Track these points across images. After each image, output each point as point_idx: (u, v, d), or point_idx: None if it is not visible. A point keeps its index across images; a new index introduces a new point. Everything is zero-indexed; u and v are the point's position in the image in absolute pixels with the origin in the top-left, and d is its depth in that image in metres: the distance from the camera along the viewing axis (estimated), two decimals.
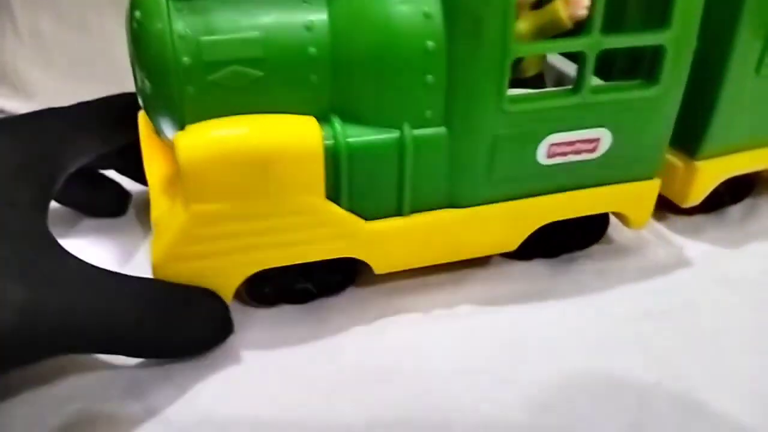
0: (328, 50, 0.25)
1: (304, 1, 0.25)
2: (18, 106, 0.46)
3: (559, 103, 0.28)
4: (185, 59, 0.24)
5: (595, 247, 0.35)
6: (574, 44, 0.27)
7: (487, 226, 0.30)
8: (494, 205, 0.29)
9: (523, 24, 0.28)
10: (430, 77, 0.26)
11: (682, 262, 0.35)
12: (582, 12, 0.27)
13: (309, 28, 0.25)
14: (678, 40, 0.27)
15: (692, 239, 0.37)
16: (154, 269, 0.26)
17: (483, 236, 0.30)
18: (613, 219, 0.35)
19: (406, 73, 0.25)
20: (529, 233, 0.31)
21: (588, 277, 0.34)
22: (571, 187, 0.30)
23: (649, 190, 0.32)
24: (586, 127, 0.28)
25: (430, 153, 0.27)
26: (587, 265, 0.35)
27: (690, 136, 0.34)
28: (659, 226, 0.38)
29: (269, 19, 0.24)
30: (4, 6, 0.48)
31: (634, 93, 0.29)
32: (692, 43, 0.28)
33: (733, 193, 0.39)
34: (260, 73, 0.24)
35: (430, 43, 0.25)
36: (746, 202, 0.40)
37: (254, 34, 0.24)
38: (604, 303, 0.32)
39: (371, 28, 0.25)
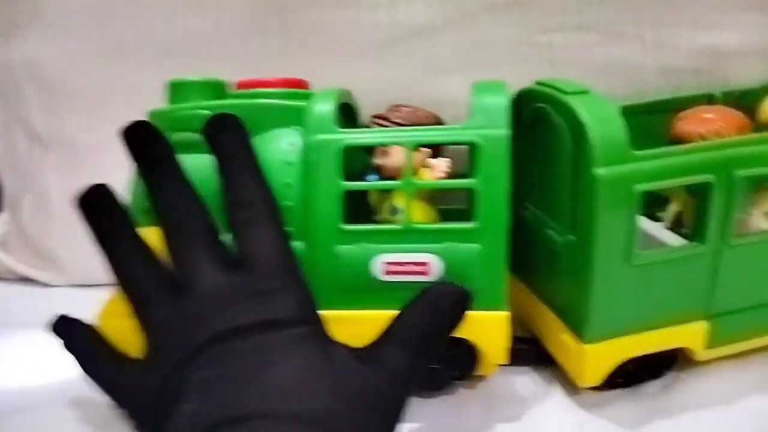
0: None
1: None
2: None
3: (387, 228, 0.35)
4: None
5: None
6: (396, 184, 0.35)
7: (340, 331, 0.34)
8: (341, 311, 0.34)
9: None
10: (289, 203, 0.35)
11: None
12: (440, 174, 0.36)
13: None
14: (486, 183, 0.34)
15: (593, 413, 0.37)
16: None
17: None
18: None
19: None
20: None
21: None
22: None
23: (497, 321, 0.35)
24: (413, 251, 0.35)
25: None
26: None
27: (576, 320, 0.36)
28: (567, 400, 0.38)
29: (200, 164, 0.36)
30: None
31: (451, 224, 0.35)
32: (503, 187, 0.34)
33: (652, 368, 0.38)
34: None
35: (288, 180, 0.36)
36: (667, 377, 0.39)
37: None
38: None
39: None
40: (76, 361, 0.33)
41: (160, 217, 0.33)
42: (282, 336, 0.29)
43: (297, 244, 0.35)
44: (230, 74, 0.42)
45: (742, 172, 0.34)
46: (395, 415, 0.29)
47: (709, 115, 0.38)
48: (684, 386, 0.39)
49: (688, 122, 0.38)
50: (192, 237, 0.32)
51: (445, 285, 0.33)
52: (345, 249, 0.35)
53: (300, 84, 0.41)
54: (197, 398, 0.27)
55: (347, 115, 0.42)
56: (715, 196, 0.34)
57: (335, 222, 0.35)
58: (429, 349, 0.31)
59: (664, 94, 0.45)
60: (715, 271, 0.36)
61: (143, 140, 0.33)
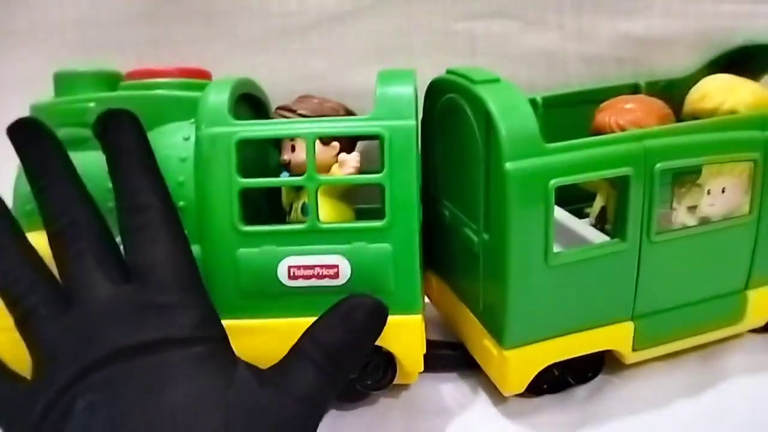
0: None
1: None
2: None
3: (290, 228, 0.33)
4: None
5: None
6: (297, 181, 0.33)
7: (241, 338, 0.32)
8: (247, 320, 0.33)
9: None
10: (182, 203, 0.33)
11: None
12: (349, 170, 0.34)
13: None
14: (393, 178, 0.32)
15: (519, 423, 0.35)
16: None
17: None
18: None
19: None
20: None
21: None
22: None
23: (411, 326, 0.33)
24: (320, 253, 0.32)
25: None
26: None
27: (496, 324, 0.34)
28: (492, 409, 0.36)
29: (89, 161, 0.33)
30: None
31: (358, 223, 0.33)
32: (411, 181, 0.32)
33: (579, 372, 0.36)
34: None
35: (181, 178, 0.33)
36: (596, 381, 0.37)
37: None
38: None
39: None
40: None
41: (48, 221, 0.30)
42: (177, 356, 0.27)
43: (193, 248, 0.32)
44: (129, 65, 0.39)
45: (661, 165, 0.32)
46: None
47: (630, 105, 0.37)
48: (613, 391, 0.37)
49: (607, 113, 0.37)
50: (82, 244, 0.29)
51: (359, 296, 0.30)
52: (245, 252, 0.32)
53: (199, 74, 0.38)
54: (81, 427, 0.25)
55: (256, 107, 0.40)
56: (633, 190, 0.32)
57: (234, 223, 0.32)
58: (342, 367, 0.29)
59: (588, 85, 0.44)
60: (638, 269, 0.34)
61: (29, 138, 0.31)
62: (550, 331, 0.34)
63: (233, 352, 0.29)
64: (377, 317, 0.30)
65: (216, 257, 0.32)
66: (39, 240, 0.30)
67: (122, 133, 0.31)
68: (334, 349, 0.28)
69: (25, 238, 0.30)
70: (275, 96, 0.41)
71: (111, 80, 0.38)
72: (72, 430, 0.25)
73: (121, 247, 0.30)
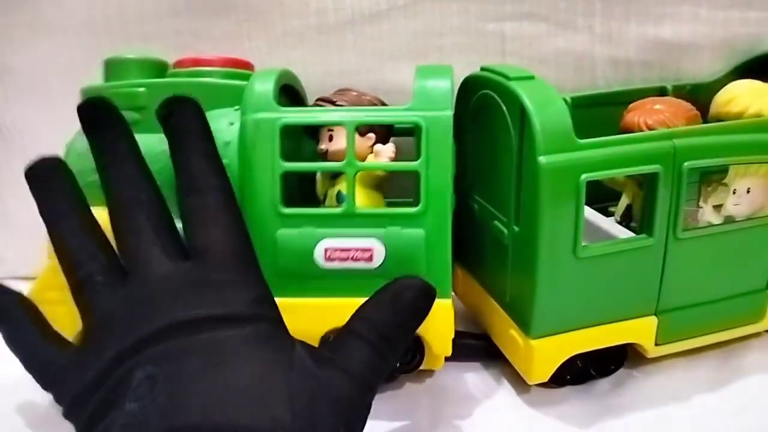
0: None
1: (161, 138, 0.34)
2: None
3: (328, 212, 0.34)
4: None
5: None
6: (337, 166, 0.34)
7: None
8: (284, 299, 0.32)
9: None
10: None
11: None
12: (385, 159, 0.35)
13: (160, 152, 0.33)
14: (429, 166, 0.33)
15: (542, 412, 0.36)
16: None
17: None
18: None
19: None
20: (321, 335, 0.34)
21: None
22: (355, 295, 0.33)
23: (441, 310, 0.34)
24: (356, 236, 0.33)
25: None
26: None
27: (522, 315, 0.35)
28: (516, 398, 0.37)
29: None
30: None
31: (394, 209, 0.34)
32: (446, 170, 0.33)
33: (601, 365, 0.37)
34: None
35: (225, 161, 0.33)
36: (618, 374, 0.38)
37: None
38: None
39: None
40: (3, 332, 0.30)
41: (110, 196, 0.30)
42: (237, 334, 0.27)
43: None
44: (170, 59, 0.40)
45: (689, 164, 0.33)
46: (358, 421, 0.28)
47: (658, 106, 0.38)
48: (634, 384, 0.38)
49: (636, 113, 0.38)
50: (142, 219, 0.30)
51: (408, 278, 0.31)
52: (284, 233, 0.33)
53: (242, 64, 0.39)
54: (141, 398, 0.25)
55: (293, 98, 0.41)
56: (661, 188, 0.33)
57: (274, 205, 0.33)
58: (393, 345, 0.29)
59: (615, 86, 0.45)
60: (663, 265, 0.35)
61: (98, 117, 0.31)
62: (575, 323, 0.35)
63: (288, 331, 0.29)
64: (426, 298, 0.31)
65: (257, 238, 0.33)
66: (98, 215, 0.31)
67: (186, 118, 0.31)
68: (385, 328, 0.29)
69: (89, 208, 0.31)
70: (311, 90, 0.42)
71: (159, 68, 0.39)
72: (131, 400, 0.25)
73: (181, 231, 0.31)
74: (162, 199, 0.31)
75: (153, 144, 0.32)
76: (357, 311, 0.30)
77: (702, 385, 0.37)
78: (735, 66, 0.45)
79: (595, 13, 0.45)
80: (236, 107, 0.35)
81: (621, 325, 0.36)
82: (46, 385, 0.29)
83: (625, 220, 0.40)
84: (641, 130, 0.37)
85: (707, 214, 0.35)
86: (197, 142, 0.31)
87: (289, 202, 0.34)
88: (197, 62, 0.38)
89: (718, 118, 0.39)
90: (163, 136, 0.32)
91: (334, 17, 0.46)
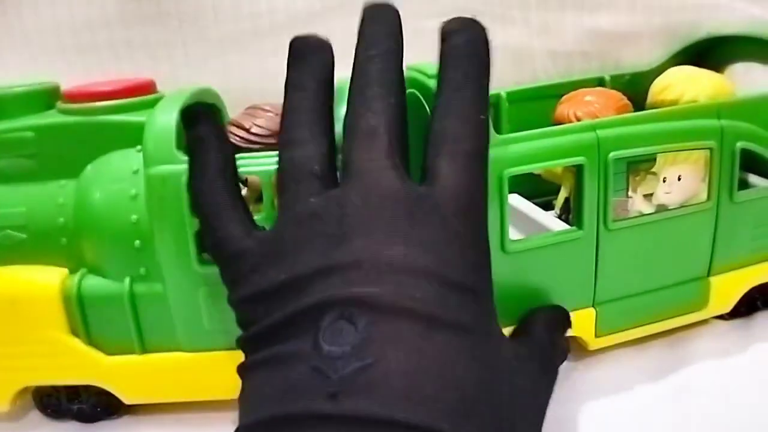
0: (72, 221, 0.33)
1: (59, 186, 0.34)
2: None
3: None
4: None
5: None
6: None
7: (210, 372, 0.33)
8: (213, 353, 0.33)
9: None
10: (137, 242, 0.32)
11: None
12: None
13: (60, 204, 0.33)
14: None
15: None
16: None
17: (210, 381, 0.33)
18: None
19: (120, 239, 0.32)
20: None
21: None
22: None
23: None
24: None
25: (152, 304, 0.32)
26: None
27: None
28: None
29: (33, 195, 0.33)
30: None
31: None
32: None
33: None
34: (24, 236, 0.33)
35: (134, 217, 0.32)
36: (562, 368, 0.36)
37: (21, 208, 0.33)
38: None
39: (92, 204, 0.33)
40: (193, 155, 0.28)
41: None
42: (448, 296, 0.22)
43: (155, 286, 0.32)
44: (104, 68, 0.40)
45: (614, 154, 0.33)
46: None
47: (589, 98, 0.38)
48: (578, 377, 0.37)
49: (567, 105, 0.38)
50: (379, 122, 0.25)
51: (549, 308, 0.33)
52: (207, 292, 0.32)
53: (143, 88, 0.35)
54: (341, 345, 0.21)
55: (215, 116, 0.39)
56: (587, 179, 0.33)
57: (191, 263, 0.31)
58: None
59: (553, 80, 0.44)
60: (596, 256, 0.35)
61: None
62: (510, 318, 0.34)
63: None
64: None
65: (178, 301, 0.32)
66: None
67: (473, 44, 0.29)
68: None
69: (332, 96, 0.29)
70: (249, 95, 0.41)
71: (48, 97, 0.36)
72: (329, 342, 0.21)
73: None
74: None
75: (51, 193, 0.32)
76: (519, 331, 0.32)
77: (647, 374, 0.37)
78: (675, 53, 0.45)
79: (531, 6, 0.45)
80: (139, 148, 0.32)
81: None
82: (226, 263, 0.26)
83: (565, 213, 0.40)
84: (571, 122, 0.36)
85: (638, 204, 0.35)
86: (472, 89, 0.27)
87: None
88: (90, 95, 0.33)
89: (654, 107, 0.39)
90: (61, 182, 0.32)
91: (269, 20, 0.46)
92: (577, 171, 0.33)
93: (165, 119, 0.31)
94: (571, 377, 0.37)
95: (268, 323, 0.23)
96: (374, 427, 0.19)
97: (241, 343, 0.25)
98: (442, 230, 0.23)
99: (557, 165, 0.33)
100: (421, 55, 0.45)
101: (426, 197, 0.24)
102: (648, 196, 0.35)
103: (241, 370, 0.25)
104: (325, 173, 0.25)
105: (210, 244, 0.27)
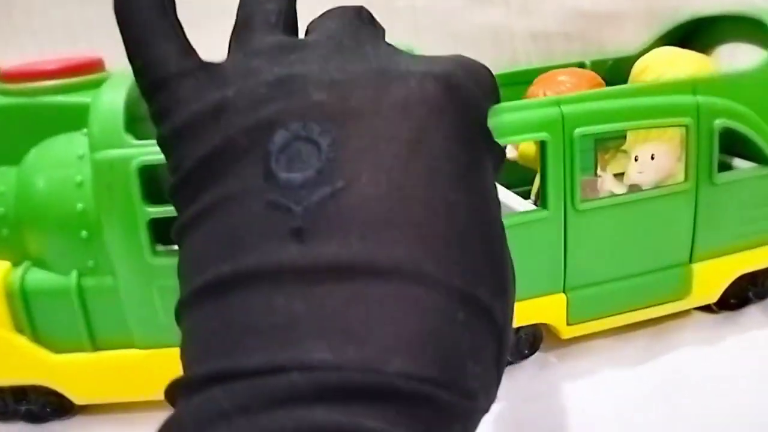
0: (13, 210, 0.31)
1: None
2: None
3: None
4: None
5: None
6: None
7: (166, 370, 0.32)
8: (170, 349, 0.30)
9: None
10: (84, 233, 0.30)
11: None
12: None
13: (0, 193, 0.31)
14: None
15: None
16: None
17: (167, 379, 0.32)
18: None
19: (65, 229, 0.30)
20: None
21: None
22: None
23: None
24: None
25: (102, 299, 0.30)
26: None
27: None
28: None
29: None
30: None
31: None
32: None
33: (515, 350, 0.36)
34: None
35: (80, 205, 0.30)
36: (536, 360, 0.37)
37: None
38: None
39: (35, 192, 0.31)
40: None
41: None
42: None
43: (104, 280, 0.30)
44: (43, 48, 0.39)
45: (580, 131, 0.32)
46: None
47: (562, 77, 0.37)
48: (552, 369, 0.36)
49: (539, 85, 0.37)
50: None
51: None
52: (162, 285, 0.30)
53: (89, 67, 0.32)
54: (302, 170, 0.16)
55: None
56: (551, 156, 0.32)
57: (144, 255, 0.29)
58: None
59: (537, 63, 0.43)
60: (565, 238, 0.34)
61: None
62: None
63: None
64: None
65: (131, 295, 0.30)
66: None
67: None
68: None
69: None
70: None
71: None
72: (283, 168, 0.16)
73: None
74: None
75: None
76: None
77: (628, 366, 0.36)
78: (659, 36, 0.43)
79: None
80: (84, 131, 0.30)
81: (526, 303, 0.34)
82: (157, 88, 0.19)
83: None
84: None
85: (608, 184, 0.33)
86: None
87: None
88: (29, 75, 0.31)
89: None
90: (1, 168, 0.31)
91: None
92: (541, 147, 0.32)
93: (112, 99, 0.29)
94: (548, 369, 0.36)
95: (202, 154, 0.18)
96: (348, 274, 0.15)
97: (172, 195, 0.19)
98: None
99: (519, 141, 0.32)
100: (395, 34, 0.45)
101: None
102: (619, 176, 0.34)
103: (177, 232, 0.19)
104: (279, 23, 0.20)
105: (139, 66, 0.21)
